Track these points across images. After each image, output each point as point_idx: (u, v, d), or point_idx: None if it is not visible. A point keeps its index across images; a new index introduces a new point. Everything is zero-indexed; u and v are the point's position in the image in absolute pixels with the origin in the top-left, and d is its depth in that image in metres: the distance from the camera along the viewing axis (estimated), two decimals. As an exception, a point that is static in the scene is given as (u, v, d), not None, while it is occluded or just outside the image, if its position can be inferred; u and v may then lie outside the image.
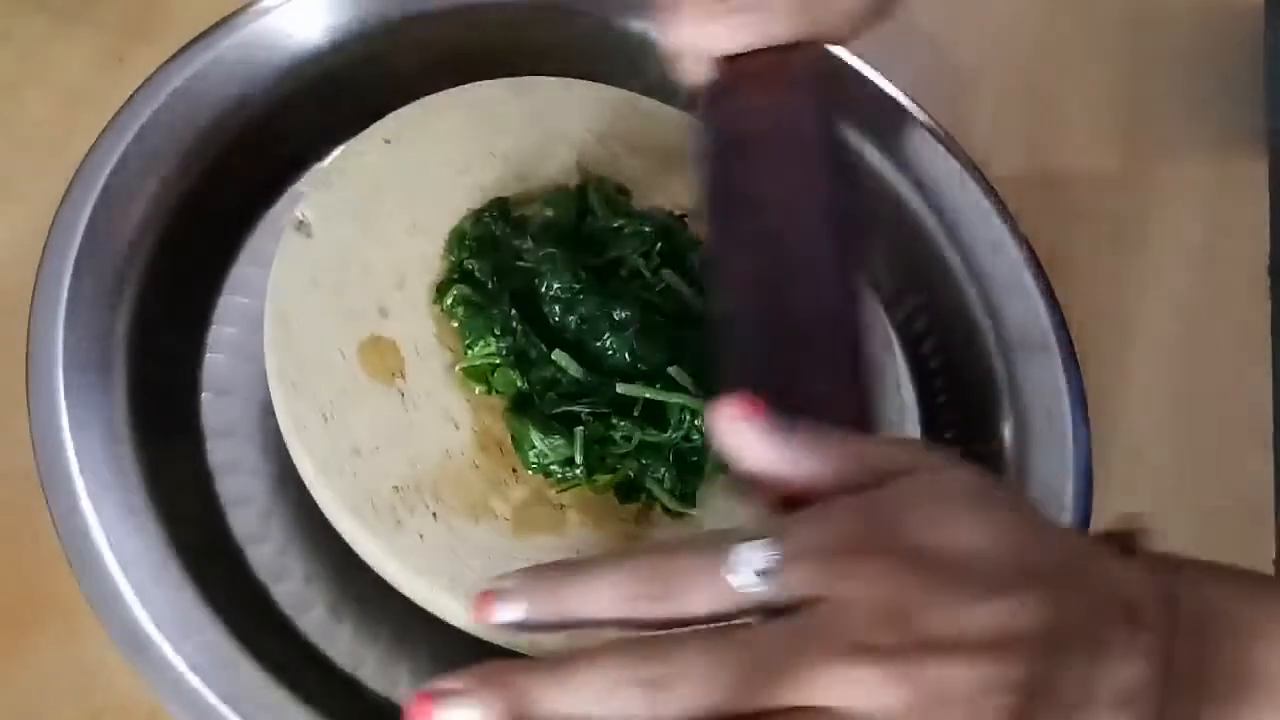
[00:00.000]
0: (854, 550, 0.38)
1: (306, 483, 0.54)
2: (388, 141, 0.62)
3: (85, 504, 0.54)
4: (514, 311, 0.57)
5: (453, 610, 0.53)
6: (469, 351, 0.57)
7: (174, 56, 0.62)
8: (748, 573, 0.37)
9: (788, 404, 0.41)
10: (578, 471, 0.55)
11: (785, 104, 0.55)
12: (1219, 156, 0.83)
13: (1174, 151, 0.83)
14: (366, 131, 0.62)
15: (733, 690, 0.35)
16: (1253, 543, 0.72)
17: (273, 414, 0.56)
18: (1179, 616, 0.39)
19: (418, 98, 0.63)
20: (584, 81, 0.67)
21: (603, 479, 0.55)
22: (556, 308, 0.58)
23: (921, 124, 0.71)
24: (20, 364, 0.56)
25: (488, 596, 0.40)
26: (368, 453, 0.54)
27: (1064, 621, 0.37)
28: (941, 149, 0.71)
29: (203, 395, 0.61)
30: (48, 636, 0.56)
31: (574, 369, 0.56)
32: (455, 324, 0.58)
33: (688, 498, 0.56)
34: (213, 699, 0.51)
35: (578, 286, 0.58)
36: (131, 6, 0.70)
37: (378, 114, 0.62)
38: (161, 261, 0.61)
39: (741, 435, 0.41)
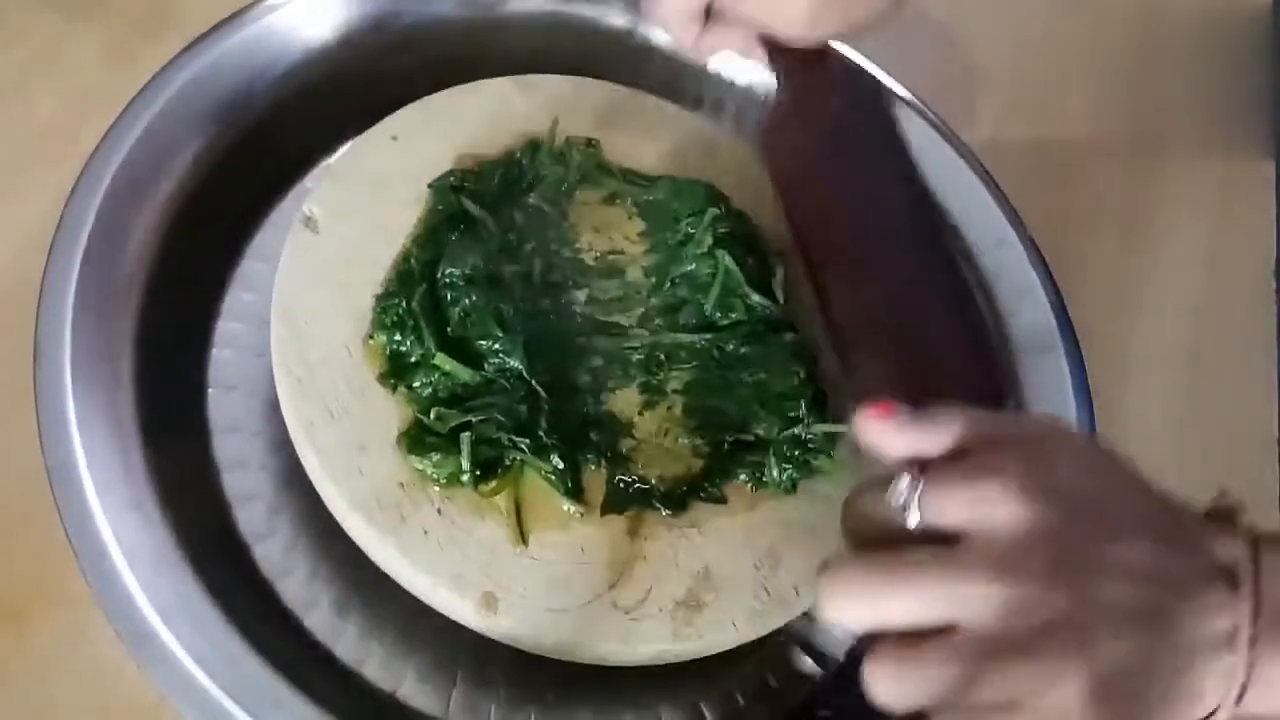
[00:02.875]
0: (1002, 479, 0.42)
1: (312, 479, 0.55)
2: (394, 138, 0.62)
3: (92, 498, 0.54)
4: (412, 306, 0.57)
5: (457, 606, 0.53)
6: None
7: (180, 54, 0.63)
8: (897, 502, 0.43)
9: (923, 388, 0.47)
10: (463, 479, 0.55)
11: (852, 114, 0.57)
12: (1226, 158, 0.83)
13: (1181, 152, 0.82)
14: (373, 128, 0.62)
15: (913, 603, 0.41)
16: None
17: (279, 410, 0.56)
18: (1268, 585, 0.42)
19: (424, 95, 0.63)
20: (589, 79, 0.67)
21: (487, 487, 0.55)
22: (448, 295, 0.58)
23: (928, 122, 0.71)
24: (28, 359, 0.56)
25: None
26: (373, 449, 0.54)
27: (1180, 572, 0.42)
28: (948, 148, 0.71)
29: (209, 391, 0.61)
30: (57, 629, 0.56)
31: (464, 373, 0.56)
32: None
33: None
34: (217, 693, 0.51)
35: (468, 273, 0.58)
36: (141, 4, 0.70)
37: (384, 111, 0.63)
38: (169, 258, 0.61)
39: (882, 434, 0.45)
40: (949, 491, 0.43)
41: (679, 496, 0.57)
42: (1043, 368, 0.66)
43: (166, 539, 0.55)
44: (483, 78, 0.65)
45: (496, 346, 0.56)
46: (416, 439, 0.54)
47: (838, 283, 0.54)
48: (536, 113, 0.65)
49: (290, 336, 0.56)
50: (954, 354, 0.51)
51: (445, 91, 0.64)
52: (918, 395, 0.46)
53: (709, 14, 0.57)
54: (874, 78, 0.59)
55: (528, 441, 0.55)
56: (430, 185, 0.61)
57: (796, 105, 0.57)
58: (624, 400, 0.59)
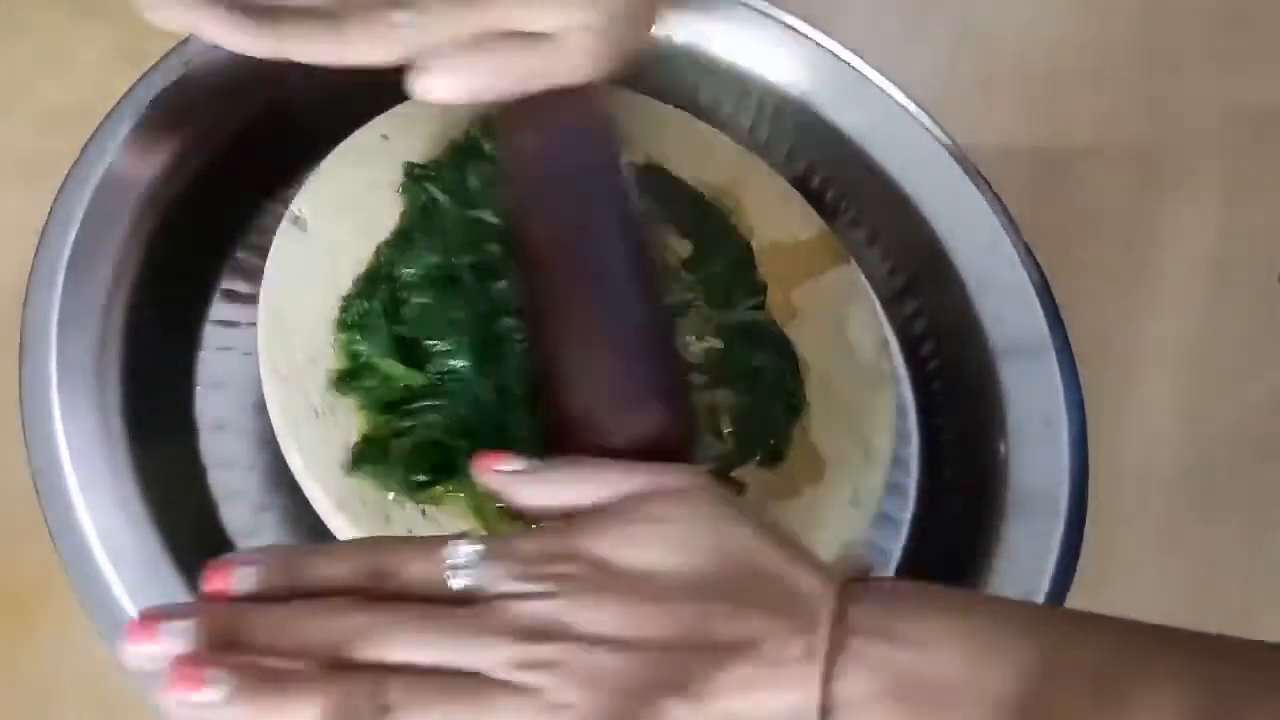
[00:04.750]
0: (548, 557, 0.43)
1: (297, 479, 0.54)
2: (385, 137, 0.62)
3: (77, 497, 0.54)
4: (372, 306, 0.57)
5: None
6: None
7: (170, 52, 0.62)
8: (455, 561, 0.43)
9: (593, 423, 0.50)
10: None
11: (568, 146, 0.56)
12: (1229, 159, 0.83)
13: (1185, 155, 0.82)
14: (364, 128, 0.62)
15: (411, 636, 0.40)
16: (1261, 549, 0.72)
17: (266, 409, 0.56)
18: (862, 636, 0.42)
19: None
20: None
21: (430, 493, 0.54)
22: (405, 294, 0.57)
23: (924, 127, 0.71)
24: (13, 356, 0.56)
25: (225, 564, 0.42)
26: (358, 449, 0.54)
27: (716, 630, 0.42)
28: (943, 152, 0.71)
29: (196, 389, 0.61)
30: (59, 627, 0.57)
31: (406, 376, 0.56)
32: None
33: None
34: (200, 693, 0.51)
35: (425, 273, 0.57)
36: (148, 3, 0.70)
37: (376, 110, 0.62)
38: (156, 256, 0.61)
39: (501, 482, 0.48)
40: (511, 569, 0.43)
41: None
42: (1034, 372, 0.66)
43: (152, 537, 0.54)
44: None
45: (444, 348, 0.56)
46: (359, 451, 0.54)
47: (549, 309, 0.54)
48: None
49: (277, 335, 0.56)
50: (636, 398, 0.51)
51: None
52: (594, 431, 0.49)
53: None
54: (605, 115, 0.58)
55: (468, 444, 0.54)
56: (398, 189, 0.60)
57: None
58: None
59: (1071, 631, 0.44)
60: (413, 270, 0.57)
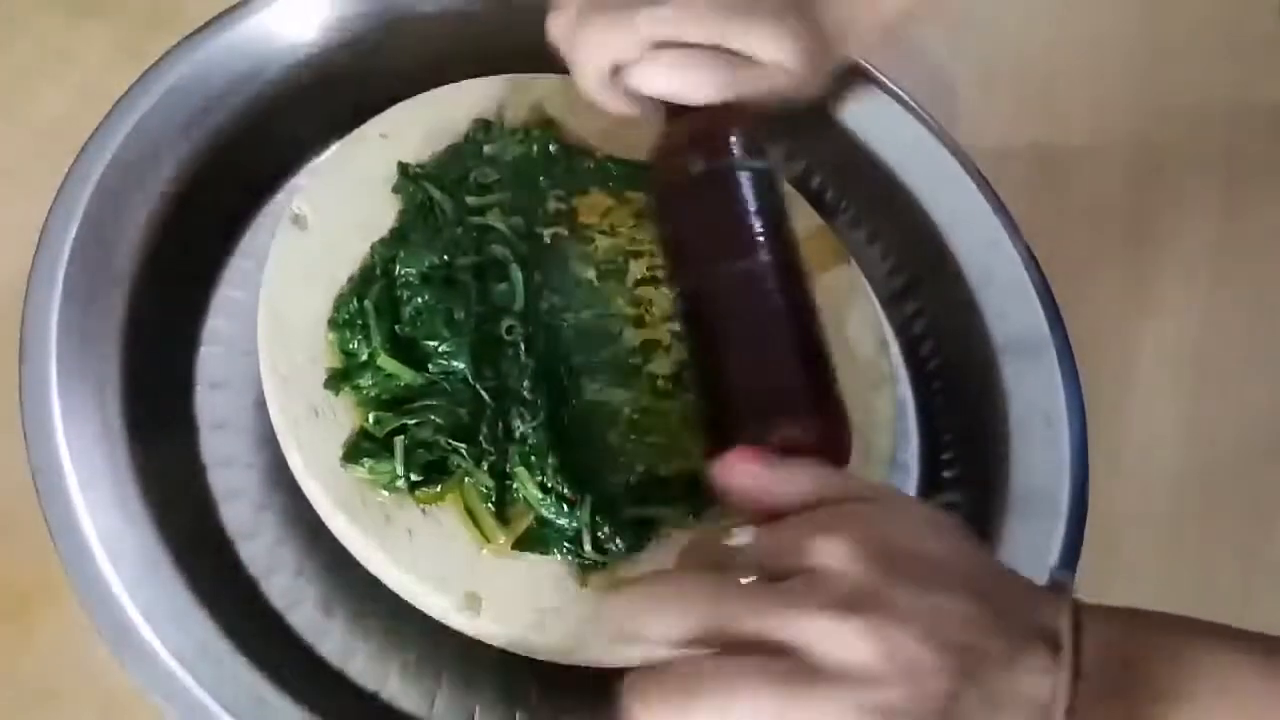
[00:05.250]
0: (840, 534, 0.44)
1: (297, 477, 0.54)
2: (384, 136, 0.62)
3: (76, 495, 0.54)
4: (365, 305, 0.56)
5: (441, 607, 0.53)
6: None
7: (169, 53, 0.63)
8: (745, 541, 0.46)
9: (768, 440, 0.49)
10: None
11: (726, 171, 0.56)
12: (1229, 158, 0.83)
13: (1185, 155, 0.82)
14: (363, 127, 0.62)
15: (740, 616, 0.43)
16: (1261, 549, 0.72)
17: (266, 408, 0.56)
18: (1095, 652, 0.44)
19: (415, 94, 0.63)
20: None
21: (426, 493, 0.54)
22: (403, 293, 0.57)
23: (925, 125, 0.71)
24: (13, 356, 0.56)
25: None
26: (357, 447, 0.54)
27: (995, 627, 0.43)
28: (943, 151, 0.71)
29: (197, 389, 0.61)
30: (59, 626, 0.57)
31: (406, 374, 0.56)
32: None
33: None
34: (200, 693, 0.51)
35: (423, 271, 0.57)
36: (148, 2, 0.70)
37: (375, 109, 0.62)
38: (157, 254, 0.61)
39: (746, 479, 0.48)
40: (787, 542, 0.45)
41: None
42: (1035, 370, 0.66)
43: (151, 536, 0.55)
44: (473, 77, 0.64)
45: (442, 348, 0.56)
46: (354, 445, 0.54)
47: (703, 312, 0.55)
48: (526, 111, 0.65)
49: (277, 334, 0.56)
50: (799, 405, 0.52)
51: (435, 90, 0.64)
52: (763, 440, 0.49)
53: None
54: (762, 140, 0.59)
55: (465, 446, 0.54)
56: (393, 188, 0.60)
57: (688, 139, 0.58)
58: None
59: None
60: (411, 270, 0.57)
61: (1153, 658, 0.44)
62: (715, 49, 0.58)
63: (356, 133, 0.62)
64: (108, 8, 0.71)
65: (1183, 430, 0.74)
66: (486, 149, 0.62)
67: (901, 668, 0.42)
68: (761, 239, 0.54)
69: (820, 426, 0.51)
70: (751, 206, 0.55)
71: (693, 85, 0.58)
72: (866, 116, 0.71)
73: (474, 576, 0.53)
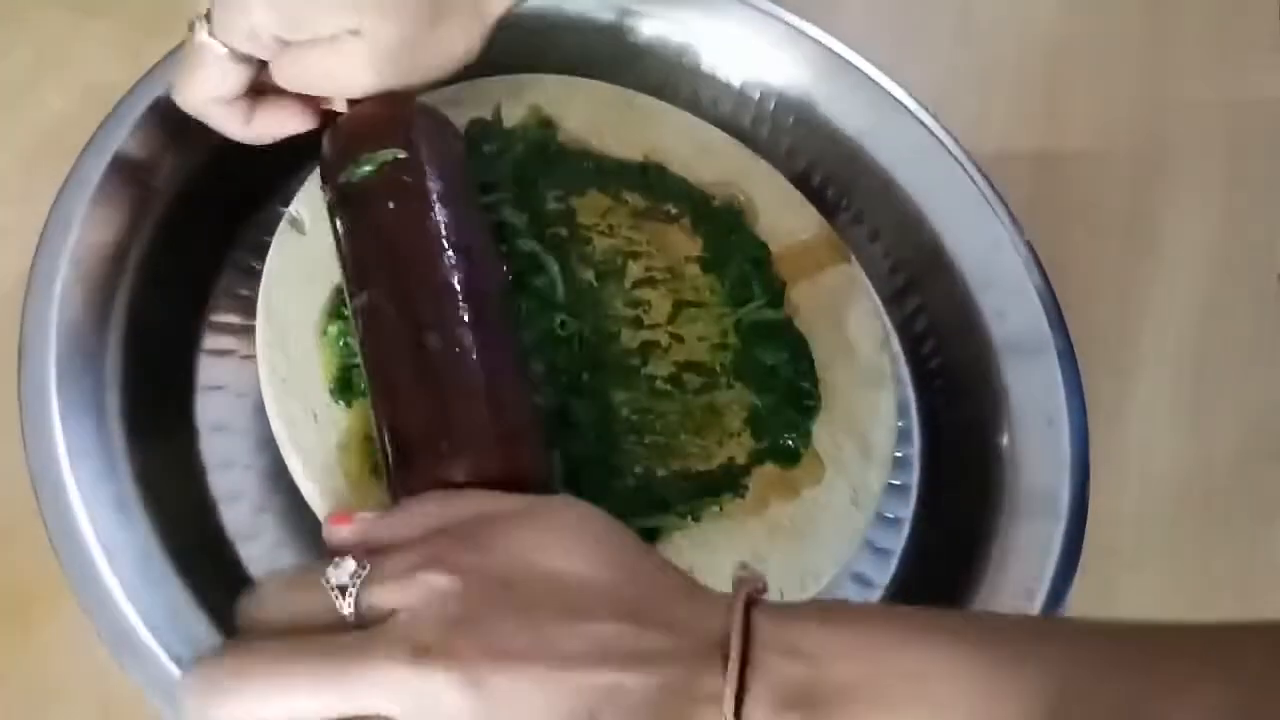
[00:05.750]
0: (429, 567, 0.42)
1: (296, 480, 0.54)
2: (382, 139, 0.61)
3: (75, 498, 0.54)
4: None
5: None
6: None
7: (170, 54, 0.62)
8: (334, 584, 0.42)
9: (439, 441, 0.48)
10: None
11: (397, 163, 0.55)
12: (1230, 158, 0.83)
13: (1186, 155, 0.82)
14: (363, 127, 0.62)
15: (307, 684, 0.40)
16: (1261, 549, 0.72)
17: (265, 410, 0.55)
18: (770, 652, 0.41)
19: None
20: (583, 79, 0.67)
21: None
22: None
23: (924, 124, 0.71)
24: (13, 356, 0.56)
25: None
26: (356, 450, 0.54)
27: (639, 647, 0.41)
28: (943, 150, 0.71)
29: (196, 391, 0.61)
30: (58, 628, 0.57)
31: None
32: None
33: None
34: (200, 694, 0.51)
35: None
36: (152, 2, 0.70)
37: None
38: (157, 255, 0.61)
39: (348, 536, 0.46)
40: (390, 576, 0.42)
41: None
42: (1036, 370, 0.66)
43: (151, 538, 0.55)
44: (472, 77, 0.64)
45: None
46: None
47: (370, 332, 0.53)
48: (524, 111, 0.64)
49: (275, 337, 0.56)
50: (471, 440, 0.50)
51: (435, 93, 0.64)
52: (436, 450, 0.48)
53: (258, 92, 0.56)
54: (443, 120, 0.58)
55: None
56: None
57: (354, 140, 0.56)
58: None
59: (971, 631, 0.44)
60: None
61: (839, 659, 0.41)
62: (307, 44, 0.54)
63: (356, 134, 0.61)
64: (108, 8, 0.71)
65: (1183, 430, 0.74)
66: (485, 148, 0.62)
67: (502, 711, 0.39)
68: (434, 258, 0.52)
69: (494, 461, 0.49)
70: (426, 214, 0.54)
71: (287, 124, 0.57)
72: (868, 115, 0.71)
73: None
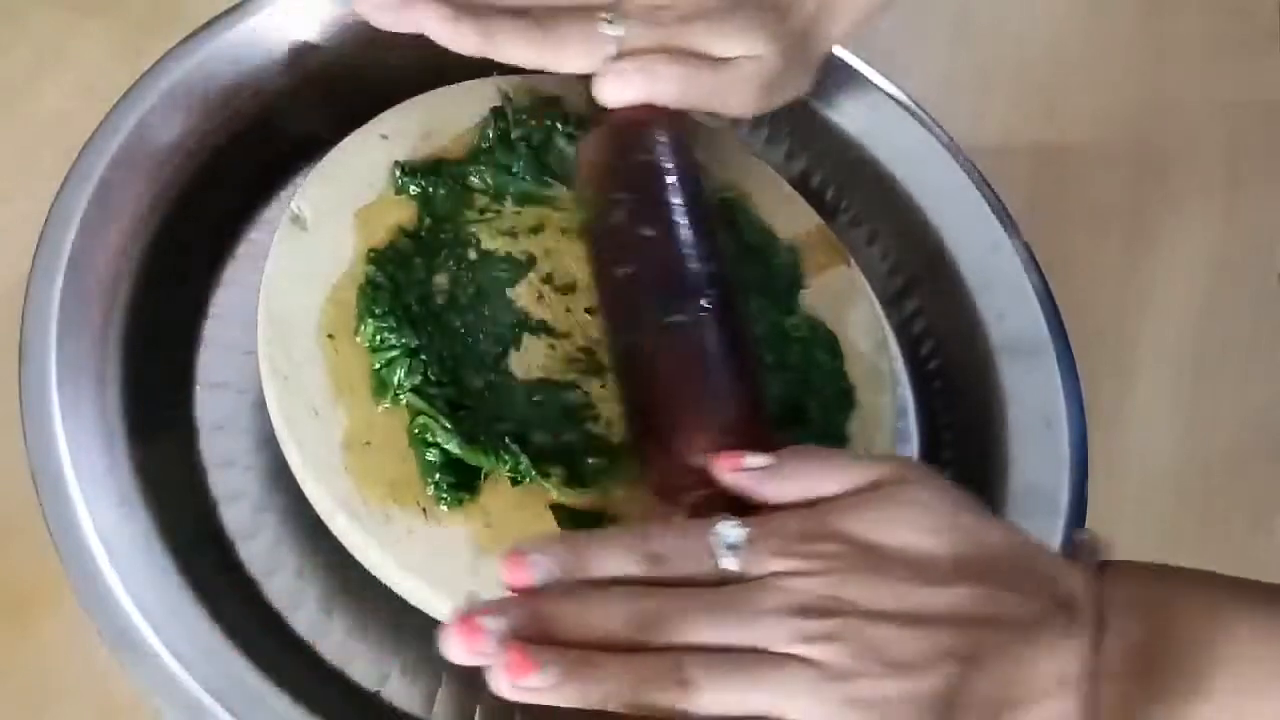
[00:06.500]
0: (812, 537, 0.45)
1: (297, 477, 0.54)
2: (384, 137, 0.62)
3: (76, 496, 0.54)
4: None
5: (442, 607, 0.52)
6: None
7: (171, 51, 0.63)
8: (724, 542, 0.44)
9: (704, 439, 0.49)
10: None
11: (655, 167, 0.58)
12: (1230, 158, 0.83)
13: (1186, 155, 0.82)
14: (364, 127, 0.62)
15: (702, 620, 0.42)
16: (1261, 549, 0.72)
17: (266, 408, 0.56)
18: (1117, 613, 0.44)
19: (415, 94, 0.63)
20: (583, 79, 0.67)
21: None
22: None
23: (923, 126, 0.71)
24: (13, 356, 0.56)
25: (518, 557, 0.44)
26: (358, 448, 0.54)
27: (997, 610, 0.43)
28: (943, 151, 0.71)
29: (197, 389, 0.61)
30: (59, 626, 0.57)
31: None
32: None
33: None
34: (201, 694, 0.51)
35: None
36: (150, 1, 0.70)
37: (375, 109, 0.62)
38: (157, 254, 0.61)
39: (748, 479, 0.48)
40: (778, 548, 0.44)
41: None
42: (1034, 371, 0.66)
43: (151, 537, 0.54)
44: (473, 77, 0.64)
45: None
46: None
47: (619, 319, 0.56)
48: (529, 112, 0.65)
49: (276, 334, 0.56)
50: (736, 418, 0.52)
51: (437, 90, 0.64)
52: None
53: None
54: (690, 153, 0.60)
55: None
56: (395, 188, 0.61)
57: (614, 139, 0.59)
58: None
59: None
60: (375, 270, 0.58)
61: (1184, 620, 0.44)
62: (692, 53, 0.58)
63: (357, 133, 0.61)
64: (108, 7, 0.71)
65: (1183, 430, 0.74)
66: (514, 133, 0.63)
67: (888, 663, 0.42)
68: (700, 283, 0.55)
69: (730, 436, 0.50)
70: (689, 242, 0.56)
71: (660, 93, 0.58)
72: (867, 116, 0.71)
73: (474, 576, 0.53)
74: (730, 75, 0.59)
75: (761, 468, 0.48)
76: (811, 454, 0.49)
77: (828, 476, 0.47)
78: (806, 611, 0.43)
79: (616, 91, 0.58)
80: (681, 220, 0.56)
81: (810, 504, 0.46)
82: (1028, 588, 0.44)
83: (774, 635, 0.42)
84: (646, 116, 0.59)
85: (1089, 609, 0.43)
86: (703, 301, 0.54)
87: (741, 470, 0.48)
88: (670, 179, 0.58)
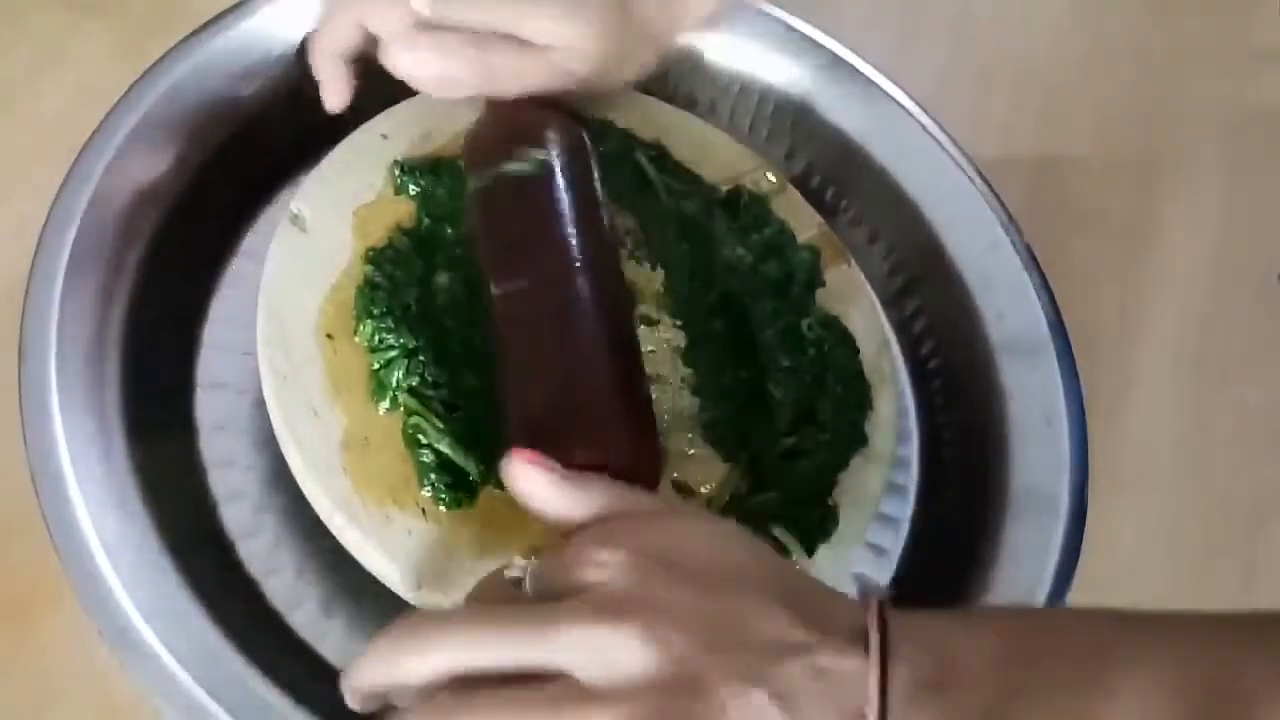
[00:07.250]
0: (618, 543, 0.44)
1: (296, 477, 0.54)
2: (384, 137, 0.62)
3: (76, 497, 0.54)
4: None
5: (440, 607, 0.52)
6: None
7: (171, 50, 0.63)
8: (511, 575, 0.46)
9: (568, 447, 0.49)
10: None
11: (538, 176, 0.57)
12: (1229, 159, 0.83)
13: (1183, 153, 0.82)
14: (364, 126, 0.62)
15: (495, 637, 0.43)
16: (1261, 547, 0.72)
17: (266, 408, 0.55)
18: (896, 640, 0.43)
19: (415, 94, 0.63)
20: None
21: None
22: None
23: (923, 126, 0.71)
24: (13, 356, 0.56)
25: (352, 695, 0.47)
26: (357, 448, 0.54)
27: (795, 631, 0.43)
28: (943, 151, 0.71)
29: (196, 389, 0.61)
30: (59, 627, 0.57)
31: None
32: None
33: None
34: (200, 694, 0.51)
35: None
36: (150, 1, 0.70)
37: (375, 109, 0.62)
38: (157, 254, 0.61)
39: (529, 480, 0.48)
40: (567, 559, 0.45)
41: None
42: (1035, 370, 0.66)
43: (151, 537, 0.55)
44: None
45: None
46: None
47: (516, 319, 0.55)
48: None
49: (276, 334, 0.56)
50: (605, 427, 0.52)
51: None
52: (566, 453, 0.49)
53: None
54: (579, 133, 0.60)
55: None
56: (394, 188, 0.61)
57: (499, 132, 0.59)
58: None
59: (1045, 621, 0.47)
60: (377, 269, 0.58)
61: (972, 648, 0.43)
62: (502, 36, 0.57)
63: (356, 134, 0.61)
64: (108, 7, 0.71)
65: (1183, 430, 0.74)
66: None
67: (679, 672, 0.41)
68: (572, 255, 0.55)
69: (624, 450, 0.51)
70: (566, 217, 0.56)
71: (447, 81, 0.58)
72: (867, 117, 0.71)
73: (474, 577, 0.52)
74: (535, 60, 0.58)
75: (555, 472, 0.48)
76: (604, 480, 0.49)
77: (617, 496, 0.48)
78: (601, 612, 0.42)
79: (407, 66, 0.58)
80: (579, 224, 0.56)
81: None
82: (820, 616, 0.44)
83: (570, 649, 0.42)
84: (534, 111, 0.58)
85: (875, 639, 0.42)
86: (598, 312, 0.54)
87: (536, 466, 0.48)
88: (572, 182, 0.57)
